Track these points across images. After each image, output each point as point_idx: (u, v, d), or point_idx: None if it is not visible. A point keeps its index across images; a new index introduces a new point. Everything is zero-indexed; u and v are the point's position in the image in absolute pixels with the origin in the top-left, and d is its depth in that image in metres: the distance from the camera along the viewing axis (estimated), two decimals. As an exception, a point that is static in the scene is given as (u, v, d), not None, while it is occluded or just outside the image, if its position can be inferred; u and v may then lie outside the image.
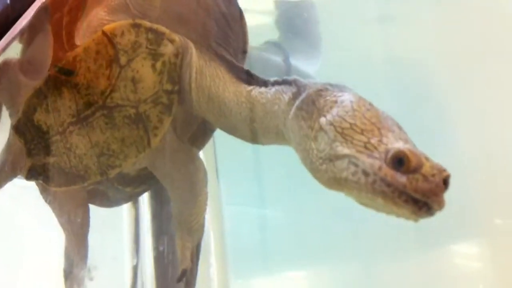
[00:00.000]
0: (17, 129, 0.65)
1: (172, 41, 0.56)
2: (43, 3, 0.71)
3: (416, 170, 0.42)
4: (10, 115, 0.70)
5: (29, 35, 0.72)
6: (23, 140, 0.65)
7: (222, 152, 0.89)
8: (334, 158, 0.45)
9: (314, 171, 0.48)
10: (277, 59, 1.00)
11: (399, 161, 0.43)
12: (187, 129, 0.64)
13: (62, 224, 0.70)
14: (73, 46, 0.61)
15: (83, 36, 0.60)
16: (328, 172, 0.46)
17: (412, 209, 0.43)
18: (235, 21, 0.63)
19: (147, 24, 0.56)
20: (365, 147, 0.44)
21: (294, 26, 1.06)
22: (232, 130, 0.58)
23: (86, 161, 0.60)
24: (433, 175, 0.42)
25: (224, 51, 0.59)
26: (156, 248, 0.76)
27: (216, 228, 0.83)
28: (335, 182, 0.46)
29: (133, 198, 0.78)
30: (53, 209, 0.70)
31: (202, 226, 0.65)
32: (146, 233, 0.81)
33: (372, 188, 0.43)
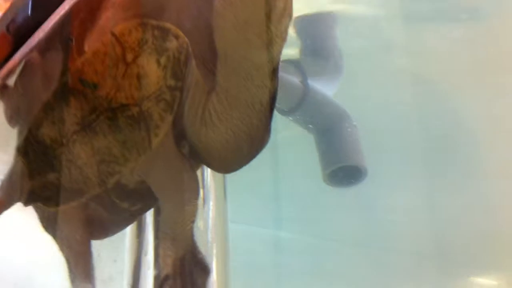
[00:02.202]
0: (21, 148, 0.65)
1: (177, 36, 0.57)
2: (61, 17, 0.71)
3: None
4: (19, 132, 0.69)
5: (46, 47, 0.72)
6: (26, 160, 0.65)
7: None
8: None
9: None
10: (295, 80, 0.96)
11: None
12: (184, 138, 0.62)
13: (62, 250, 0.68)
14: (82, 53, 0.61)
15: (93, 42, 0.60)
16: None
17: None
18: None
19: (154, 22, 0.57)
20: None
21: (315, 44, 1.02)
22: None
23: (86, 172, 0.60)
24: None
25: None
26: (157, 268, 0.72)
27: (219, 246, 0.80)
28: None
29: (130, 221, 0.75)
30: (53, 236, 0.69)
31: (187, 238, 0.62)
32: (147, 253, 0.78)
33: None
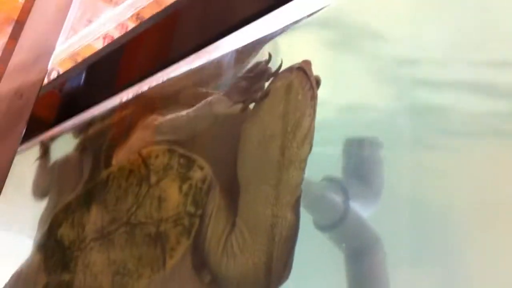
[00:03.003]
0: (39, 244, 0.67)
1: (201, 167, 0.59)
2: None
3: None
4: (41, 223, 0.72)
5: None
6: (43, 256, 0.66)
7: None
8: None
9: None
10: (336, 198, 0.98)
11: None
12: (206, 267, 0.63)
13: None
14: (108, 165, 0.64)
15: (121, 158, 0.63)
16: None
17: None
18: None
19: (181, 150, 0.60)
20: None
21: (360, 167, 1.05)
22: None
23: (101, 279, 0.60)
24: None
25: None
26: None
27: None
28: None
29: None
30: None
31: None
32: None
33: None
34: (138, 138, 0.64)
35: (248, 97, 0.62)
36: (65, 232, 0.63)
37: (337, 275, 1.04)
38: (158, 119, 0.64)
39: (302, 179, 0.58)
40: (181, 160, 0.59)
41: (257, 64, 0.65)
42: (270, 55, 0.66)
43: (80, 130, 0.87)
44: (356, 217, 0.99)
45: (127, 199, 0.60)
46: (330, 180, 1.02)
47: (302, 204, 1.02)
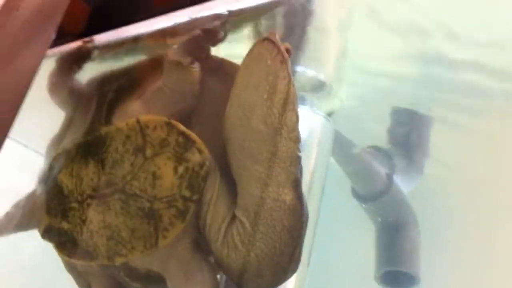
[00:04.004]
0: (43, 178, 0.64)
1: (200, 151, 0.55)
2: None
3: None
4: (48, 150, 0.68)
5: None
6: (45, 196, 0.64)
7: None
8: None
9: None
10: (381, 170, 0.95)
11: None
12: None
13: None
14: (108, 122, 0.61)
15: (120, 119, 0.60)
16: None
17: None
18: None
19: (181, 127, 0.56)
20: None
21: (408, 141, 1.01)
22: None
23: (96, 239, 0.59)
24: None
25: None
26: None
27: None
28: None
29: None
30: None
31: None
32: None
33: None
34: (136, 100, 0.61)
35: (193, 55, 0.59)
36: (64, 180, 0.61)
37: (364, 247, 1.02)
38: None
39: (297, 155, 0.52)
40: (180, 139, 0.56)
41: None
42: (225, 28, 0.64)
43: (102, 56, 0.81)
44: (398, 192, 0.95)
45: (123, 165, 0.57)
46: (377, 149, 0.97)
47: (345, 170, 0.99)
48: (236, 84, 0.56)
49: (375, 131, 1.01)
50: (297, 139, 0.53)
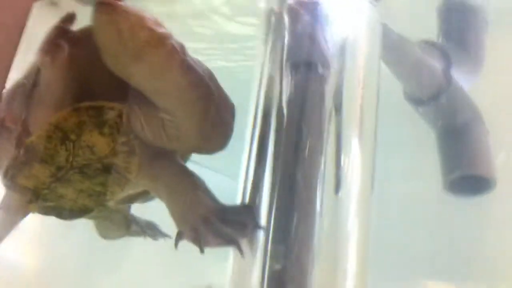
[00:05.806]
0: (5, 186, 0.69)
1: (111, 108, 0.61)
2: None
3: None
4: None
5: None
6: (15, 194, 0.69)
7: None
8: None
9: None
10: (436, 65, 0.83)
11: None
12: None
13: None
14: (28, 135, 0.66)
15: (36, 130, 0.65)
16: None
17: None
18: None
19: (86, 104, 0.61)
20: None
21: (460, 31, 0.89)
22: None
23: (81, 201, 0.66)
24: None
25: None
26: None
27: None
28: None
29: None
30: None
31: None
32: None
33: None
34: (44, 111, 0.66)
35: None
36: (23, 182, 0.66)
37: (424, 155, 0.92)
38: None
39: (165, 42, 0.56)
40: (90, 112, 0.62)
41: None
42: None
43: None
44: (457, 89, 0.84)
45: (60, 153, 0.63)
46: (429, 44, 0.86)
47: (395, 71, 0.88)
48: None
49: (424, 23, 0.90)
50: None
